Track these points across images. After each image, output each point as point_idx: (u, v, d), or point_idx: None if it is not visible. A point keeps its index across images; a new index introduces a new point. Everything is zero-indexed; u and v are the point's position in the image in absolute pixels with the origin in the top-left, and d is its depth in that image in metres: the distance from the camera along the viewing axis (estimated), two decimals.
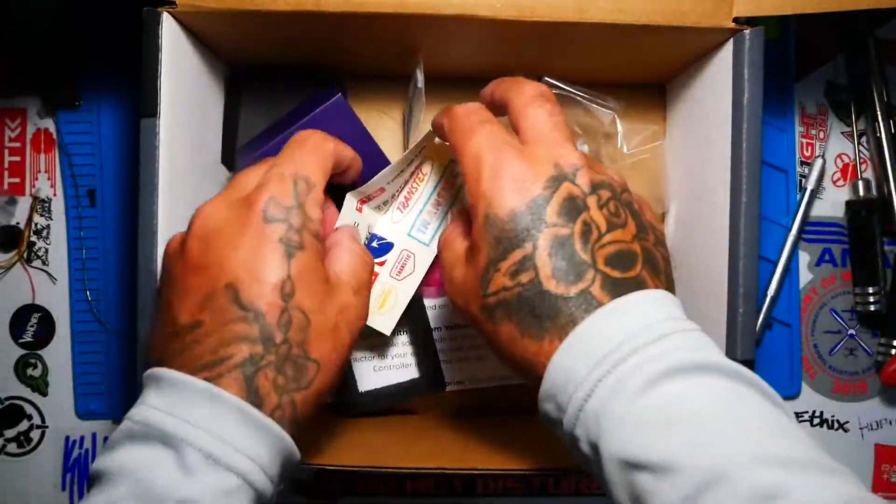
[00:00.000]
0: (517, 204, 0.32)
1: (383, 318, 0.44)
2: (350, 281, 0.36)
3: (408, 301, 0.45)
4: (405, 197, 0.46)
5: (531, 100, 0.35)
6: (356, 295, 0.36)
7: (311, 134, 0.37)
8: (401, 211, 0.46)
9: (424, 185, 0.46)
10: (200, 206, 0.34)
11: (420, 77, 0.45)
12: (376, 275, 0.45)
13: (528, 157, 0.33)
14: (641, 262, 0.32)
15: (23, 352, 0.51)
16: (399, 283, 0.45)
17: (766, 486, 0.25)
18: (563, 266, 0.31)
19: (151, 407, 0.30)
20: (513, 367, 0.33)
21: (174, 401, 0.29)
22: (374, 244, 0.45)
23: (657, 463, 0.27)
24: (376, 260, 0.44)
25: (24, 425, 0.51)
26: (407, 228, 0.46)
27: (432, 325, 0.48)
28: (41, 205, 0.51)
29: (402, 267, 0.45)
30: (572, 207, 0.32)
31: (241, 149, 0.46)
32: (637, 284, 0.32)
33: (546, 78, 0.46)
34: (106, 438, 0.51)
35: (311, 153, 0.36)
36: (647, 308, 0.31)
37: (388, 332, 0.44)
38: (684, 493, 0.26)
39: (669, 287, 0.34)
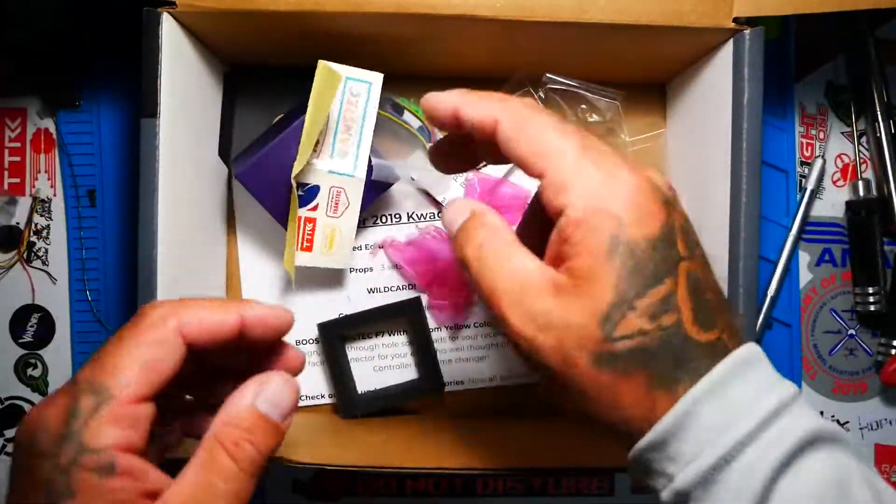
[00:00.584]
0: (653, 229, 0.26)
1: (335, 256, 0.45)
2: None
3: (353, 233, 0.45)
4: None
5: (547, 119, 0.28)
6: None
7: (154, 308, 0.27)
8: (315, 152, 0.44)
9: (327, 122, 0.43)
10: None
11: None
12: (314, 220, 0.44)
13: (629, 170, 0.27)
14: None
15: (23, 352, 0.51)
16: (339, 220, 0.44)
17: None
18: (701, 307, 0.27)
19: None
20: (608, 422, 0.27)
21: None
22: (301, 192, 0.43)
23: None
24: (308, 206, 0.44)
25: None
26: (326, 166, 0.44)
27: (431, 325, 0.48)
28: (41, 205, 0.51)
29: (336, 204, 0.44)
30: (689, 238, 0.28)
31: (235, 158, 0.46)
32: (740, 327, 0.28)
33: (548, 74, 0.46)
34: None
35: (131, 344, 0.26)
36: (764, 359, 0.27)
37: (346, 266, 0.46)
38: None
39: None
